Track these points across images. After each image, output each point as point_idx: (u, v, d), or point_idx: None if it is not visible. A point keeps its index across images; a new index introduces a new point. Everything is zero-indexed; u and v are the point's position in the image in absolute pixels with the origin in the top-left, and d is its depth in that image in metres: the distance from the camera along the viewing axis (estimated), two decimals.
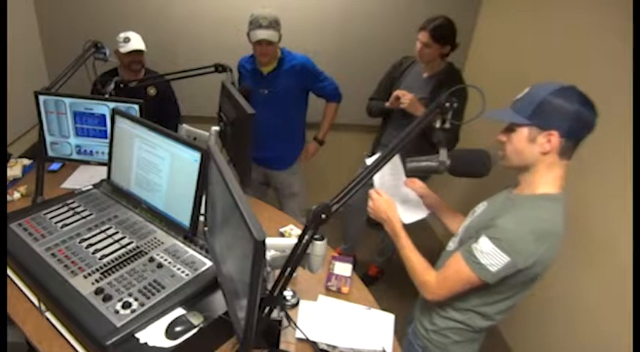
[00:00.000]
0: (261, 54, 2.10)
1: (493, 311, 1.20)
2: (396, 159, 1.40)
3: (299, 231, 1.42)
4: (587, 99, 1.02)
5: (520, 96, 1.08)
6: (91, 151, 1.86)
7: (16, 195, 1.88)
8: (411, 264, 1.21)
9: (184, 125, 2.08)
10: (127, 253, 1.36)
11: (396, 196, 1.37)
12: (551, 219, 1.06)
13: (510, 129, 1.09)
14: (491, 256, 1.05)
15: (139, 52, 2.31)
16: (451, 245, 1.29)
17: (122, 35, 2.28)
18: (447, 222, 1.42)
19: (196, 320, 1.14)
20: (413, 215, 1.37)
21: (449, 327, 1.26)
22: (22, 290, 1.33)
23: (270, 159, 2.39)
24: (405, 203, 1.40)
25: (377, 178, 1.30)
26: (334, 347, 1.26)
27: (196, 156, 1.35)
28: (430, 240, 3.12)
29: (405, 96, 2.03)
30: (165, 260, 1.34)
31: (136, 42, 2.29)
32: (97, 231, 1.45)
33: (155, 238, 1.44)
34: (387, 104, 2.16)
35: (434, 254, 1.32)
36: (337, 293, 1.49)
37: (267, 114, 2.16)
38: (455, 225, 1.38)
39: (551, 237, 1.05)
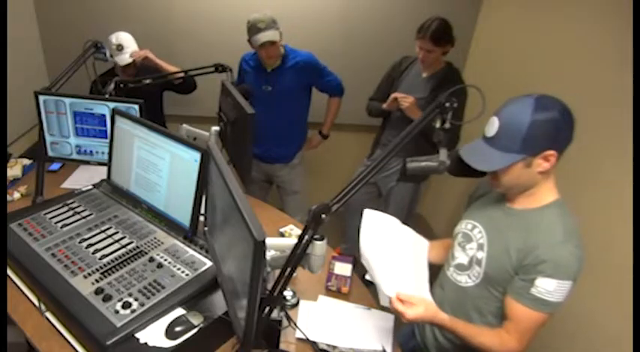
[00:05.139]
0: (268, 56, 2.12)
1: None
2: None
3: (299, 231, 1.42)
4: (559, 102, 0.99)
5: (495, 132, 1.00)
6: (91, 151, 1.86)
7: (16, 195, 1.88)
8: (485, 347, 1.11)
9: (184, 125, 2.08)
10: (127, 253, 1.36)
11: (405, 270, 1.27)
12: (573, 222, 1.08)
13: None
14: (558, 291, 1.03)
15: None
16: (468, 281, 1.21)
17: (114, 41, 2.19)
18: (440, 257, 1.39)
19: (196, 320, 1.14)
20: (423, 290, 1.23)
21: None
22: (22, 290, 1.33)
23: (271, 155, 2.40)
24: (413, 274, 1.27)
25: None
26: (334, 347, 1.26)
27: (196, 156, 1.35)
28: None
29: (405, 99, 2.03)
30: (165, 260, 1.34)
31: (125, 55, 2.19)
32: (97, 231, 1.45)
33: (155, 238, 1.44)
34: (384, 106, 2.15)
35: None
36: (337, 293, 1.49)
37: (270, 111, 2.17)
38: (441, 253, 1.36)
39: (579, 236, 1.07)
